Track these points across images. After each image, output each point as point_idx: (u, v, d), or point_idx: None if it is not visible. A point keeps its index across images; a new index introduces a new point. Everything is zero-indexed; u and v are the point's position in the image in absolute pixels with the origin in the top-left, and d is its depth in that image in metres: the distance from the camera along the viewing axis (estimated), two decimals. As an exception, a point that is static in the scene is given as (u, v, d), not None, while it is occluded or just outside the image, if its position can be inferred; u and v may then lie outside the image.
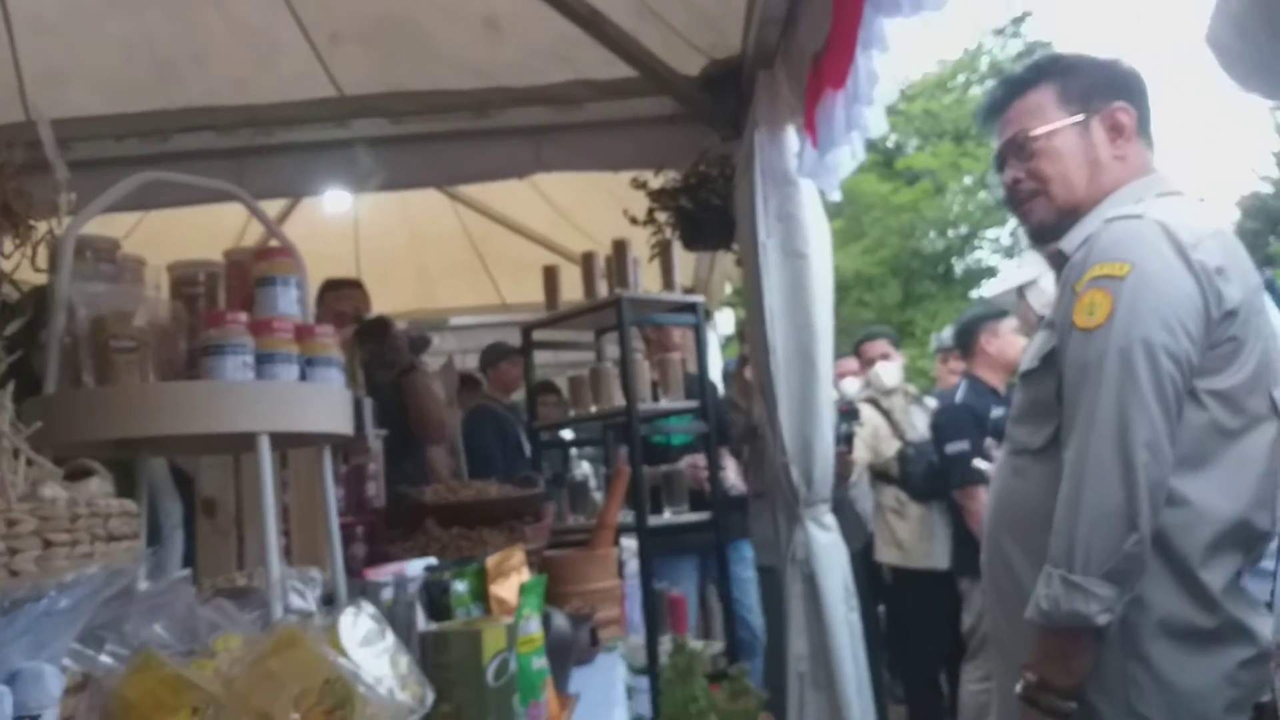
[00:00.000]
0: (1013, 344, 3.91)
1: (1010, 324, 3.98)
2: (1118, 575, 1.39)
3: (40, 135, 1.72)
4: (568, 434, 4.89)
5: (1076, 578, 1.39)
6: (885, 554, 4.48)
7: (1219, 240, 1.50)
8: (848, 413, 4.32)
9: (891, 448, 4.48)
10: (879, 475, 4.49)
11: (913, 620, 4.38)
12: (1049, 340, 1.57)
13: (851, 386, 5.04)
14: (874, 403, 4.76)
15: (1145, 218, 1.49)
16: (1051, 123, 1.67)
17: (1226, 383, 1.46)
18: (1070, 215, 1.66)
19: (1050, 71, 1.73)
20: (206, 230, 3.66)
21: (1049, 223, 1.69)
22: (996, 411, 3.85)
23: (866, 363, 4.88)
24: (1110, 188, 1.63)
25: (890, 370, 4.82)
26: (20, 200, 1.20)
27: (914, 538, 4.38)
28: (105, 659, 1.14)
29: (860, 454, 4.44)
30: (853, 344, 5.14)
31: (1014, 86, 1.75)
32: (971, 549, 3.99)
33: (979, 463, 3.78)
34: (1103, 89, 1.68)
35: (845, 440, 4.19)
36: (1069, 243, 1.63)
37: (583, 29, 2.94)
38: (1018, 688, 1.49)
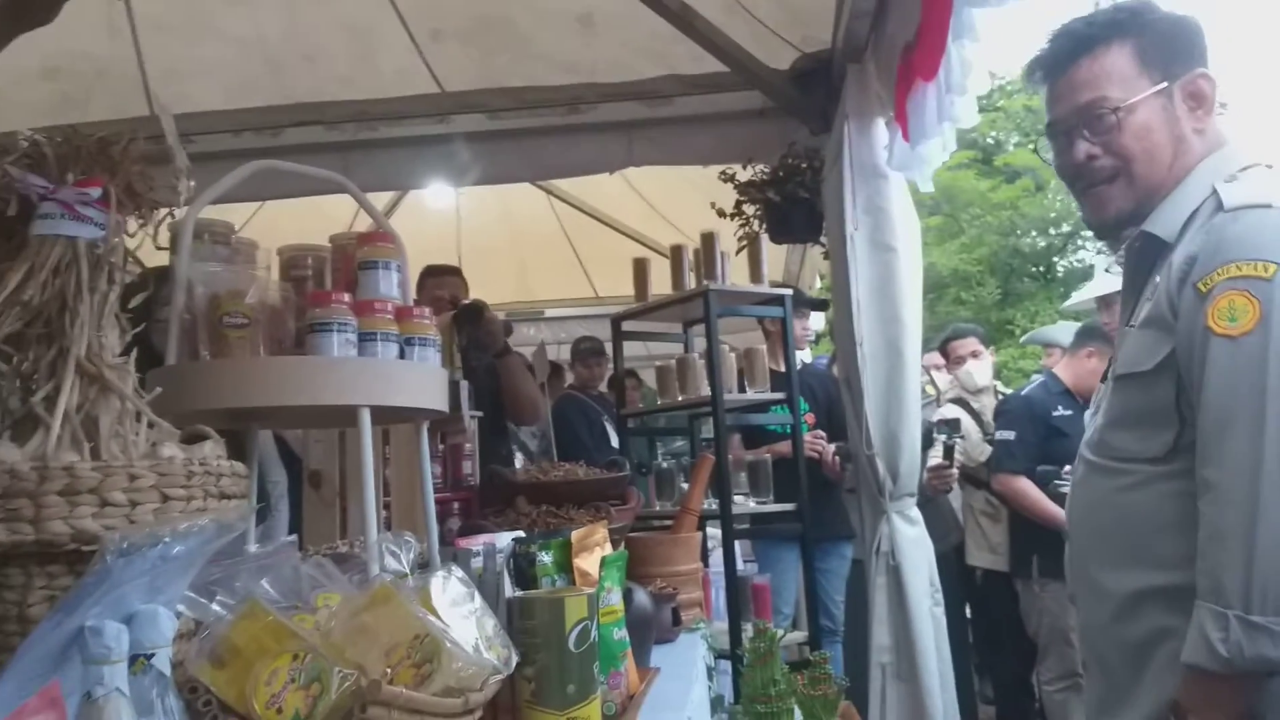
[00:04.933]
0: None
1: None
2: None
3: (163, 126, 1.85)
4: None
5: (1258, 618, 1.24)
6: (978, 558, 4.43)
7: None
8: (950, 424, 4.27)
9: (981, 450, 4.42)
10: (968, 478, 4.42)
11: (1005, 621, 4.32)
12: (1162, 341, 1.42)
13: (942, 381, 5.00)
14: (963, 403, 4.71)
15: (1274, 208, 1.35)
16: (1135, 91, 1.49)
17: None
18: (1150, 199, 1.51)
19: (1127, 27, 1.52)
20: (315, 223, 3.81)
21: (1126, 210, 1.54)
22: (1061, 412, 3.83)
23: (954, 361, 4.82)
24: (1192, 166, 1.50)
25: (982, 369, 4.77)
26: (142, 181, 1.30)
27: (1009, 541, 4.31)
28: (216, 608, 1.22)
29: None
30: (940, 340, 5.09)
31: (1084, 41, 1.54)
32: (1028, 550, 3.99)
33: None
34: (1184, 52, 1.52)
35: (947, 454, 4.14)
36: (1161, 226, 1.49)
37: (674, 25, 2.98)
38: None
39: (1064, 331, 4.97)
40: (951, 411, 4.66)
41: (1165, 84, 1.49)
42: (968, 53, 2.16)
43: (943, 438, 4.23)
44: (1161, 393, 1.41)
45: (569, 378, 5.58)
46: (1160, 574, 1.40)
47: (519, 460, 4.43)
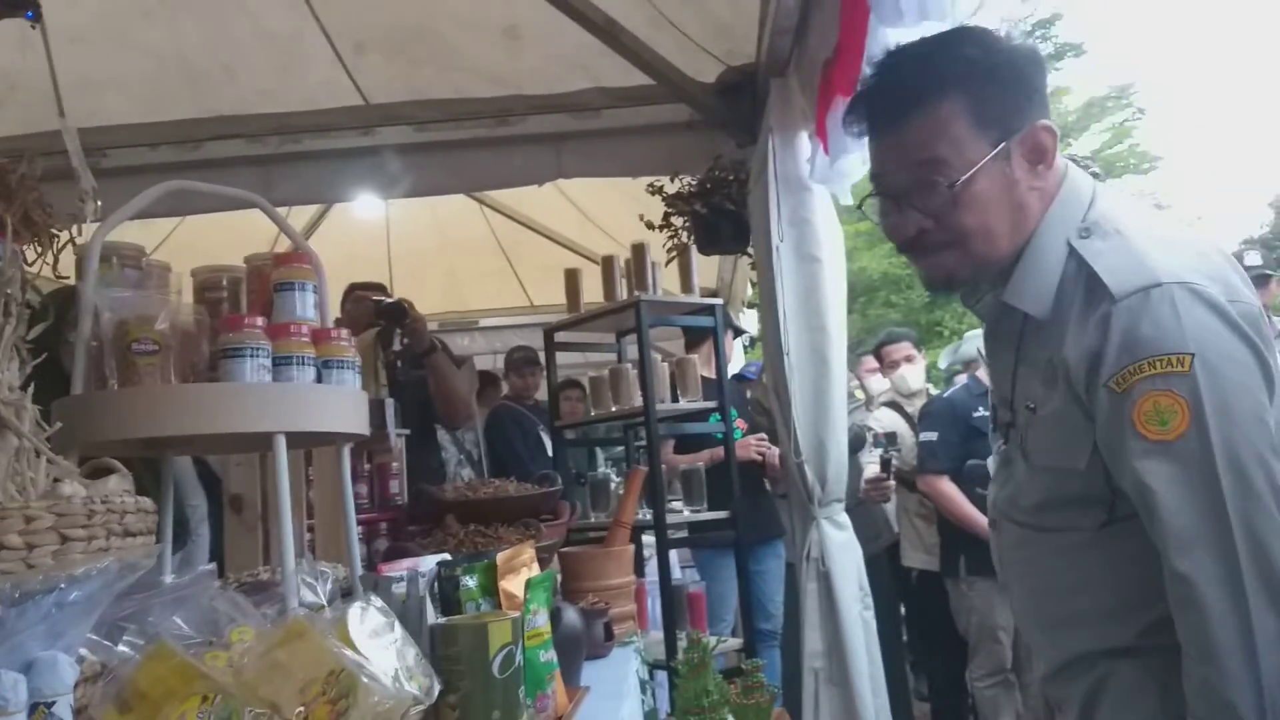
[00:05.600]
0: None
1: None
2: None
3: (67, 145, 1.80)
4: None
5: None
6: (913, 559, 4.50)
7: (1232, 273, 1.30)
8: (888, 437, 4.37)
9: (912, 453, 4.49)
10: (903, 481, 4.49)
11: (940, 620, 4.40)
12: (1080, 438, 1.31)
13: (879, 385, 5.08)
14: (897, 406, 4.78)
15: (1164, 285, 1.23)
16: (971, 155, 1.33)
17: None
18: (987, 266, 1.40)
19: (963, 80, 1.34)
20: (243, 235, 3.73)
21: (961, 276, 1.42)
22: (982, 413, 3.95)
23: (889, 365, 4.90)
24: (1031, 228, 1.38)
25: (915, 373, 4.85)
26: (39, 209, 1.26)
27: (941, 544, 4.38)
28: (123, 649, 1.19)
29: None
30: (874, 344, 5.17)
31: (913, 95, 1.35)
32: (955, 550, 4.08)
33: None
34: (1024, 102, 1.36)
35: (884, 467, 4.25)
36: (1028, 301, 1.38)
37: (599, 39, 2.98)
38: None
39: (977, 341, 5.07)
40: (887, 417, 4.74)
41: (1004, 143, 1.34)
42: (884, 69, 2.18)
43: (880, 450, 4.32)
44: (1090, 482, 1.33)
45: (504, 388, 5.55)
46: (1100, 634, 1.36)
47: (467, 471, 4.40)
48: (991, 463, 1.58)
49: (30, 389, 1.22)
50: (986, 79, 1.34)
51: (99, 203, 1.71)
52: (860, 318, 14.39)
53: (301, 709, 1.18)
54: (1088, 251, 1.33)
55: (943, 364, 5.46)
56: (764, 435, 3.95)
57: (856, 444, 4.25)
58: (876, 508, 4.56)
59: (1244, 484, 1.19)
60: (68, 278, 1.46)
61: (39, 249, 1.30)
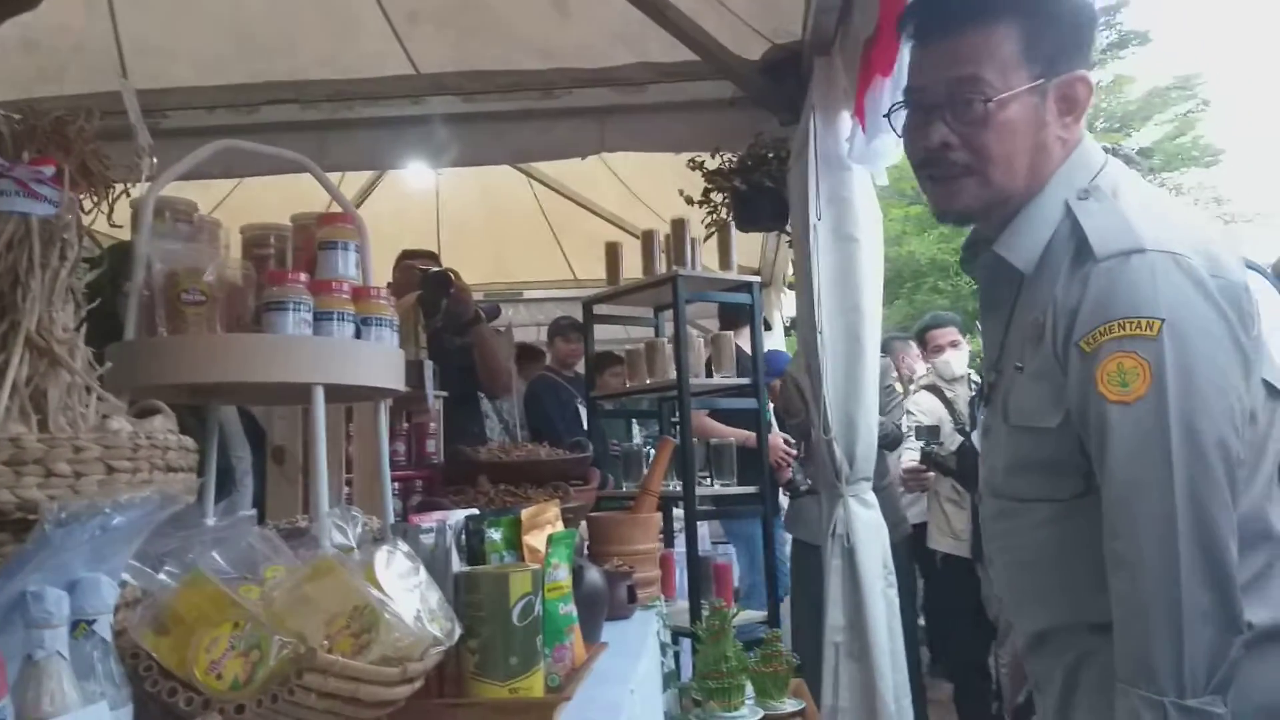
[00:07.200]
0: None
1: None
2: (1225, 684, 1.18)
3: (125, 103, 1.88)
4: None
5: (1192, 702, 1.17)
6: (940, 543, 4.51)
7: (1224, 251, 1.30)
8: (930, 430, 4.37)
9: (953, 440, 4.48)
10: (936, 465, 4.49)
11: (964, 604, 4.41)
12: (1058, 397, 1.31)
13: (920, 369, 5.07)
14: (937, 390, 4.76)
15: (1147, 252, 1.24)
16: (1012, 81, 1.33)
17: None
18: (998, 205, 1.40)
19: (1023, 7, 1.35)
20: (297, 199, 3.81)
21: (973, 208, 1.42)
22: None
23: (933, 349, 4.88)
24: (1046, 177, 1.38)
25: (959, 358, 4.82)
26: (96, 160, 1.33)
27: (972, 528, 4.39)
28: (163, 577, 1.26)
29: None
30: (918, 328, 5.15)
31: (974, 9, 1.36)
32: None
33: None
34: (1071, 47, 1.36)
35: (924, 459, 4.26)
36: (1017, 254, 1.39)
37: (647, 14, 3.00)
38: None
39: None
40: (926, 401, 4.73)
41: (1042, 80, 1.35)
42: (922, 49, 2.19)
43: (921, 444, 4.32)
44: (1065, 445, 1.32)
45: (547, 357, 5.63)
46: (1078, 607, 1.35)
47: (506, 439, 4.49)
48: (976, 437, 1.59)
49: (83, 331, 1.29)
50: (1045, 15, 1.35)
51: (154, 160, 1.78)
52: (907, 303, 14.20)
53: (326, 640, 1.24)
54: (1081, 212, 1.33)
55: None
56: (790, 441, 3.96)
57: (891, 442, 4.23)
58: (892, 500, 4.57)
59: (1196, 455, 1.19)
60: (123, 228, 1.53)
61: (95, 199, 1.37)
